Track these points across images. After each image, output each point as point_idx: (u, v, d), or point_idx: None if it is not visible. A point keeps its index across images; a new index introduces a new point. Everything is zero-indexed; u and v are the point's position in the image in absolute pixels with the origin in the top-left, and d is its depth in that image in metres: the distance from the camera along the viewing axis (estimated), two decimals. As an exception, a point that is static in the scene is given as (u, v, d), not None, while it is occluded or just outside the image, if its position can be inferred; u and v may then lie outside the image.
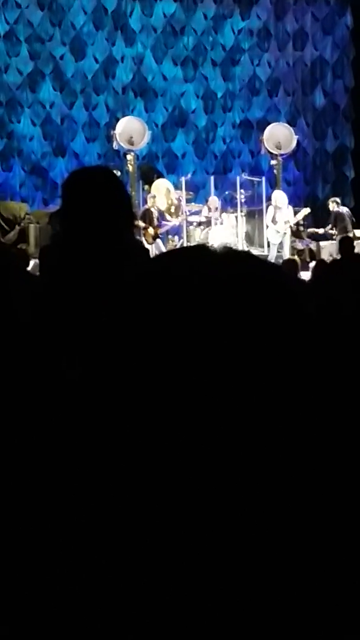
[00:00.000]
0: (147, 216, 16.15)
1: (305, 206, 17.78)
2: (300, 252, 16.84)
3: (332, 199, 17.62)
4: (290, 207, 16.94)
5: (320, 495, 0.72)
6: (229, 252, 0.78)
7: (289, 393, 0.71)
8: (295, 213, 16.99)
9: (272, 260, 13.62)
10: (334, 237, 16.85)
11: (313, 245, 17.18)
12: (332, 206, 17.24)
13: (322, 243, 17.34)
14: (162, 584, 0.70)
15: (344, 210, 17.25)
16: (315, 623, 0.71)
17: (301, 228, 17.24)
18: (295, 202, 18.48)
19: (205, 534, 0.69)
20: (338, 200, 17.52)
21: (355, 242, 14.10)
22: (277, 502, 0.70)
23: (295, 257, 15.39)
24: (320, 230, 17.23)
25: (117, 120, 17.79)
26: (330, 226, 17.15)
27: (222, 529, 0.69)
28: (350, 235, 16.21)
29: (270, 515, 0.70)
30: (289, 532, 0.71)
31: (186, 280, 0.74)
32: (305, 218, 17.20)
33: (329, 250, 16.57)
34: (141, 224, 15.74)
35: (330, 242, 17.05)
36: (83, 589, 0.73)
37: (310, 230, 17.16)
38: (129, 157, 17.22)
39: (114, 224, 2.17)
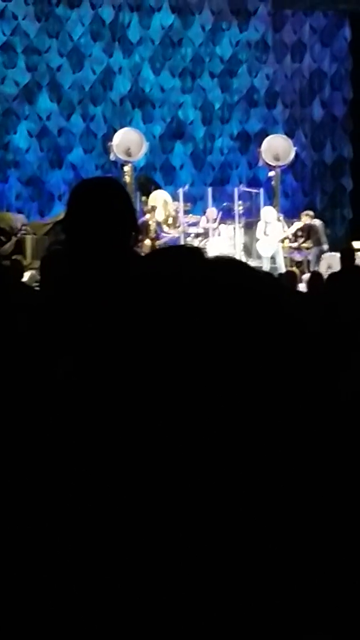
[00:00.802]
0: (144, 228, 16.13)
1: (315, 217, 17.76)
2: (298, 264, 16.85)
3: (305, 212, 17.62)
4: (282, 221, 16.98)
5: (316, 494, 0.72)
6: (219, 259, 0.79)
7: (275, 399, 0.72)
8: (289, 226, 17.04)
9: None
10: (306, 249, 16.97)
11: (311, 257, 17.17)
12: (305, 219, 17.26)
13: (320, 255, 17.33)
14: (162, 584, 0.69)
15: (318, 222, 17.30)
16: (315, 622, 0.71)
17: (300, 240, 17.25)
18: (294, 213, 18.49)
19: (205, 533, 0.69)
20: (311, 213, 17.56)
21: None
22: (275, 500, 0.70)
23: (294, 268, 15.39)
24: (295, 244, 17.25)
25: (115, 131, 17.81)
26: (303, 240, 17.17)
27: (221, 528, 0.69)
28: (325, 247, 16.56)
29: (269, 514, 0.70)
30: (288, 531, 0.70)
31: (178, 286, 0.74)
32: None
33: (327, 262, 16.57)
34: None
35: (329, 253, 17.06)
36: (83, 589, 0.73)
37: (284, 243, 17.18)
38: (126, 168, 17.23)
39: (120, 236, 2.16)
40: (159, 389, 0.71)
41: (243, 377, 0.70)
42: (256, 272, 0.78)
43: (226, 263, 0.78)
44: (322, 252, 16.60)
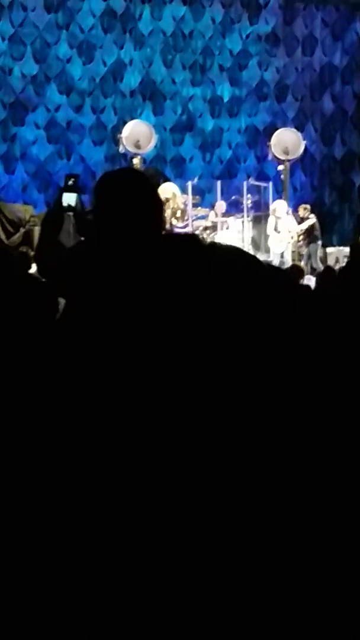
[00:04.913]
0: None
1: (312, 212, 17.71)
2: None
3: (303, 206, 17.54)
4: (291, 215, 16.90)
5: (317, 494, 0.71)
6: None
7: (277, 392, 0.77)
8: (297, 220, 16.98)
9: None
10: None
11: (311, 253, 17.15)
12: (304, 213, 17.21)
13: (328, 249, 17.30)
14: (162, 583, 0.68)
15: (315, 219, 17.22)
16: (315, 624, 0.70)
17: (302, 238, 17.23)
18: (302, 208, 18.44)
19: (205, 532, 0.68)
20: (308, 207, 17.47)
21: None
22: (275, 498, 0.70)
23: (301, 263, 15.36)
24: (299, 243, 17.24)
25: (125, 123, 17.76)
26: (304, 237, 17.15)
27: (221, 526, 0.68)
28: (320, 243, 16.68)
29: (269, 513, 0.69)
30: (288, 531, 0.69)
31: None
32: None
33: (335, 255, 16.55)
34: None
35: (337, 248, 17.03)
36: (83, 588, 0.72)
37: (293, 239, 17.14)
38: (135, 160, 17.20)
39: (149, 226, 2.18)
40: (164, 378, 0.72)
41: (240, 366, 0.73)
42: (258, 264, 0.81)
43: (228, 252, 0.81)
44: (318, 247, 16.73)
